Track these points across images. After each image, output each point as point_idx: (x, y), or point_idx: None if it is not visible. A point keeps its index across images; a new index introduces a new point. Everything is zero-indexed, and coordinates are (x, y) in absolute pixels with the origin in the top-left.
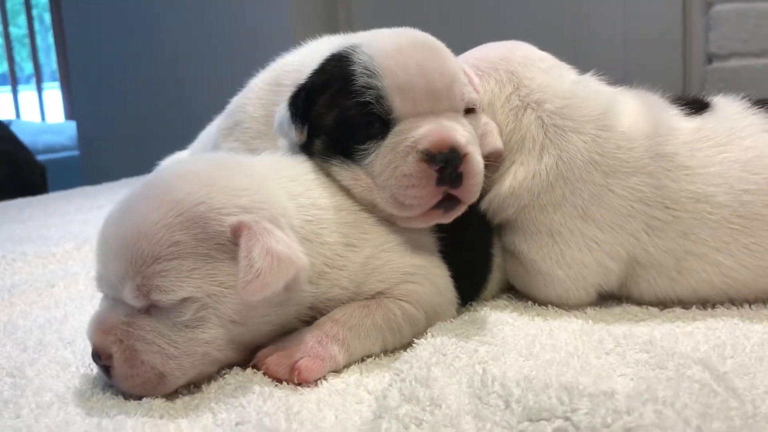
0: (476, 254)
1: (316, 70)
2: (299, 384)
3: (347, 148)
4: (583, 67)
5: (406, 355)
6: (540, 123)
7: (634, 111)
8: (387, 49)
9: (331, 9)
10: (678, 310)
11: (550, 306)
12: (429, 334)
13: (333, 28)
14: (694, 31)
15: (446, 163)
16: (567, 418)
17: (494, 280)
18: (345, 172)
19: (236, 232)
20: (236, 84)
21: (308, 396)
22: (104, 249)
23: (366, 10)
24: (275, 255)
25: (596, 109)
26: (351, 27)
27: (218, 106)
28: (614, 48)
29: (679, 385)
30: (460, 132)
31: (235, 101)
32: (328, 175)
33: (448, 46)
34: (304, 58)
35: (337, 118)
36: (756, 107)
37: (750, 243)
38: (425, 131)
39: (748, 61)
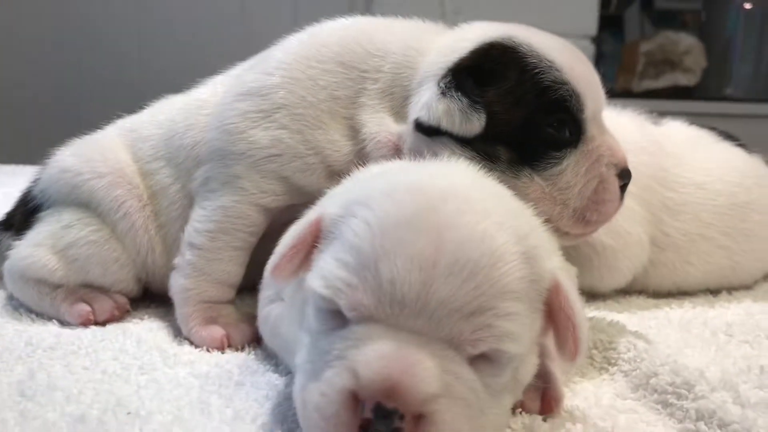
0: None
1: (468, 55)
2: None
3: (533, 155)
4: None
5: None
6: None
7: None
8: (555, 44)
9: None
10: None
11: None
12: None
13: None
14: None
15: (627, 177)
16: None
17: None
18: (533, 186)
19: (556, 284)
20: None
21: None
22: (428, 267)
23: None
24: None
25: None
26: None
27: None
28: None
29: None
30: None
31: (262, 80)
32: (511, 188)
33: None
34: (381, 39)
35: (527, 118)
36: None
37: (745, 228)
38: (614, 142)
39: None
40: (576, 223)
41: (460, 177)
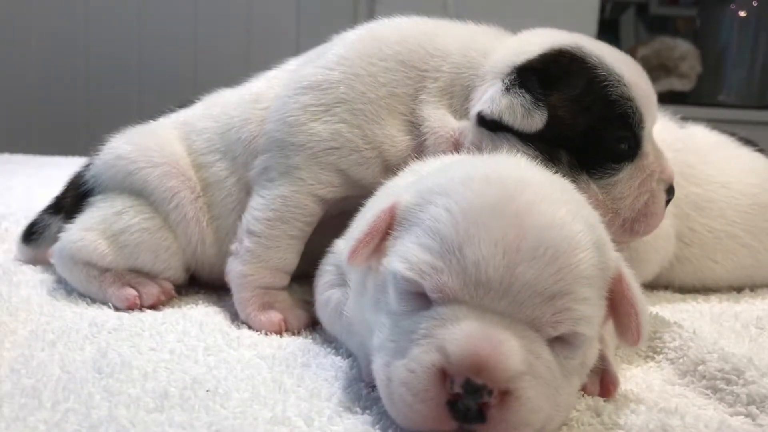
0: None
1: (537, 58)
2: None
3: (593, 162)
4: None
5: None
6: None
7: None
8: (618, 58)
9: None
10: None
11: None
12: None
13: None
14: None
15: (671, 194)
16: None
17: None
18: (589, 192)
19: (619, 273)
20: None
21: None
22: (512, 251)
23: None
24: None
25: None
26: None
27: None
28: None
29: None
30: None
31: (323, 74)
32: None
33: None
34: (441, 41)
35: (590, 128)
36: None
37: (767, 227)
38: (664, 160)
39: None
40: (623, 232)
41: (530, 169)
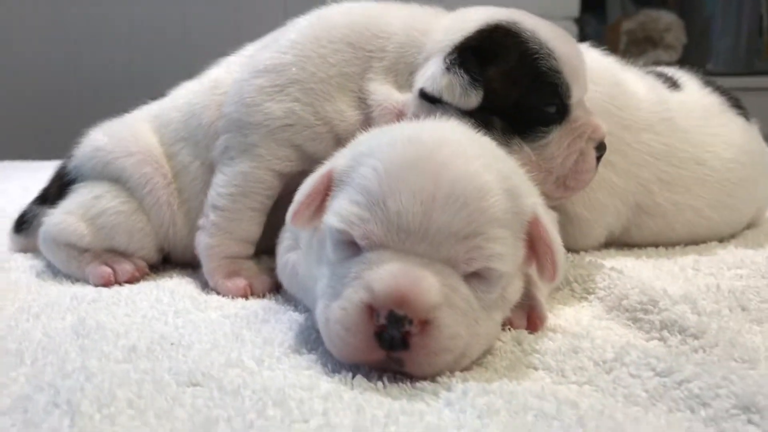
0: None
1: (474, 35)
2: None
3: (524, 127)
4: None
5: None
6: None
7: (634, 77)
8: (550, 32)
9: None
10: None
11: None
12: None
13: None
14: None
15: (602, 149)
16: None
17: None
18: (522, 153)
19: (534, 216)
20: None
21: None
22: (428, 200)
23: None
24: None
25: (606, 67)
26: None
27: None
28: None
29: None
30: None
31: (276, 57)
32: None
33: None
34: (385, 23)
35: (521, 98)
36: (708, 87)
37: (731, 202)
38: (595, 120)
39: None
40: (557, 188)
41: (452, 130)
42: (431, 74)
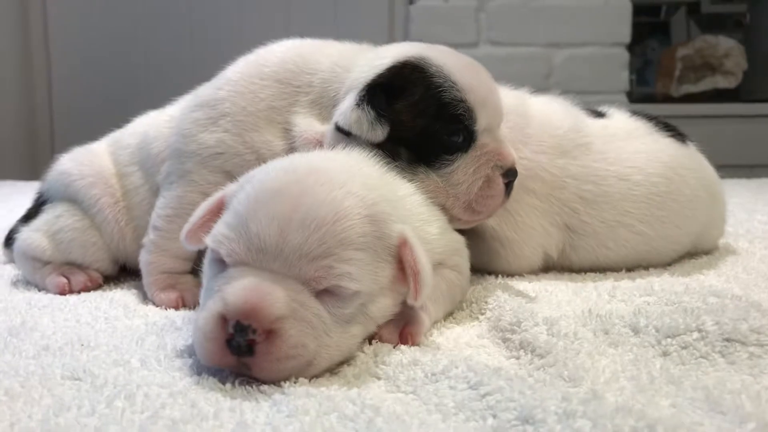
0: None
1: (384, 72)
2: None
3: (429, 156)
4: None
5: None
6: None
7: (548, 107)
8: (457, 64)
9: None
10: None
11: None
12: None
13: None
14: None
15: (512, 176)
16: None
17: None
18: (429, 180)
19: (402, 240)
20: None
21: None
22: (284, 223)
23: None
24: (429, 267)
25: (512, 102)
26: None
27: None
28: None
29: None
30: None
31: (212, 94)
32: (412, 182)
33: None
34: (314, 60)
35: (426, 128)
36: (635, 116)
37: (662, 215)
38: (504, 148)
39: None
40: (465, 212)
41: (335, 159)
42: (344, 110)
